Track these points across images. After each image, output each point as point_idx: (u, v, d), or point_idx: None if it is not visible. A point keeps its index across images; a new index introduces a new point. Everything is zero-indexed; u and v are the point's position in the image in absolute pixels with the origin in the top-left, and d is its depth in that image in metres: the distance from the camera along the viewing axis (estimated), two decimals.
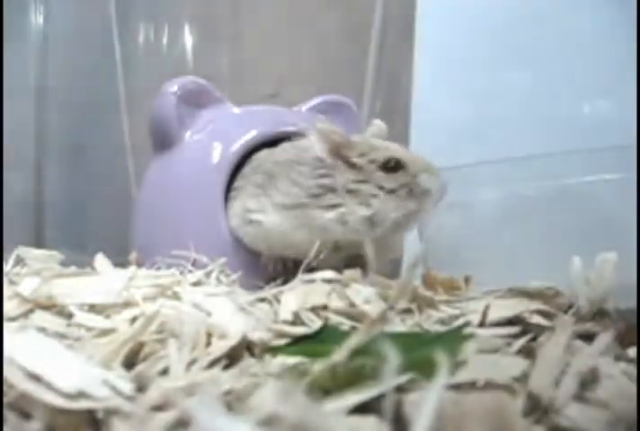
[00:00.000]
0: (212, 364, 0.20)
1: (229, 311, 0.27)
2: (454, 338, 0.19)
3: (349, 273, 0.35)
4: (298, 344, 0.19)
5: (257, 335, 0.23)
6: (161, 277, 0.33)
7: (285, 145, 0.46)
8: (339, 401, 0.14)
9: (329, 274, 0.34)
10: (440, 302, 0.31)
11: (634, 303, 0.29)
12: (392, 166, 0.41)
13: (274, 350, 0.20)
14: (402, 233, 0.44)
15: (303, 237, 0.41)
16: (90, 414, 0.15)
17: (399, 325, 0.27)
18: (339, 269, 0.36)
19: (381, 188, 0.40)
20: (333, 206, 0.41)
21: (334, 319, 0.27)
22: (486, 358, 0.19)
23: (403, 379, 0.16)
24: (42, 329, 0.24)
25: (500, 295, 0.32)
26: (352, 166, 0.41)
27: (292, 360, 0.19)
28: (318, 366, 0.17)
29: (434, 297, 0.32)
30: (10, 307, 0.27)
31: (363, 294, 0.31)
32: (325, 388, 0.16)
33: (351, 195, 0.41)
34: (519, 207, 0.43)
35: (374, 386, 0.15)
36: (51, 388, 0.15)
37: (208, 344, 0.22)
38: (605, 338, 0.20)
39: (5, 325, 0.25)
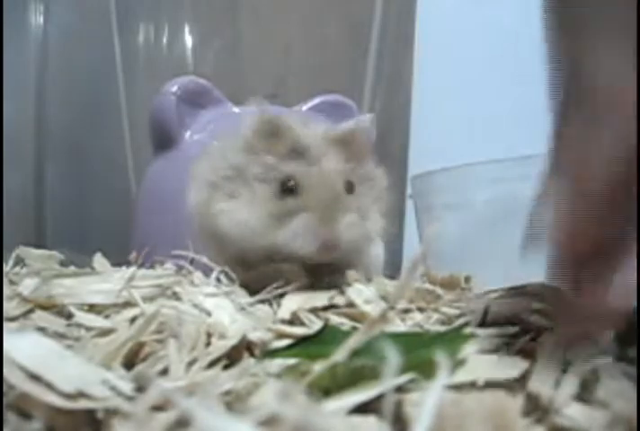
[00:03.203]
0: (212, 364, 0.20)
1: (229, 311, 0.27)
2: (454, 338, 0.19)
3: (350, 273, 0.35)
4: (299, 346, 0.19)
5: (257, 335, 0.23)
6: (161, 277, 0.33)
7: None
8: (339, 401, 0.14)
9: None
10: (442, 302, 0.31)
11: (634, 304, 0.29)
12: (289, 187, 0.34)
13: (274, 353, 0.19)
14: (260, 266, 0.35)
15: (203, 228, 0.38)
16: (90, 414, 0.15)
17: (399, 325, 0.27)
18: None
19: (266, 205, 0.34)
20: (231, 196, 0.36)
21: (335, 319, 0.27)
22: (486, 358, 0.19)
23: (403, 379, 0.16)
24: (42, 329, 0.24)
25: (500, 295, 0.32)
26: (264, 164, 0.35)
27: (292, 360, 0.19)
28: (318, 366, 0.17)
29: (439, 295, 0.32)
30: (10, 307, 0.27)
31: (364, 294, 0.31)
32: (325, 388, 0.16)
33: (249, 192, 0.35)
34: (518, 207, 0.43)
35: (374, 386, 0.15)
36: (51, 388, 0.15)
37: (208, 344, 0.22)
38: (604, 338, 0.20)
39: (5, 325, 0.25)
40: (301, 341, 0.19)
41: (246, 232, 0.34)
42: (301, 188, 0.34)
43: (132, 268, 0.34)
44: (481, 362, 0.18)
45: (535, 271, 0.33)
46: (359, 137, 0.38)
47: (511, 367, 0.18)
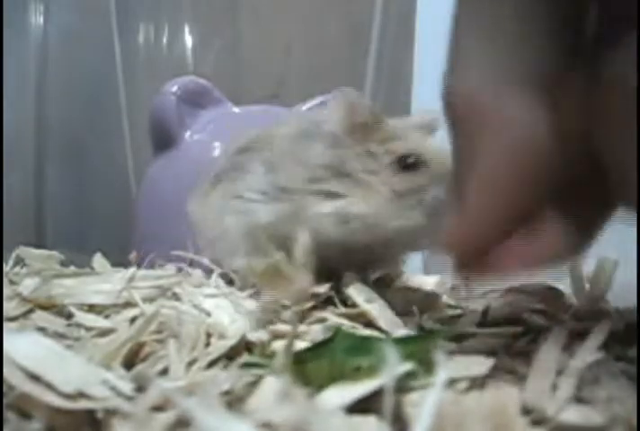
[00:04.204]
0: (212, 364, 0.20)
1: (228, 311, 0.27)
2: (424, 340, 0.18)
3: (348, 274, 0.34)
4: (313, 353, 0.18)
5: (256, 335, 0.23)
6: (161, 278, 0.33)
7: (293, 119, 0.39)
8: (336, 396, 0.14)
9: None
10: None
11: (634, 303, 0.29)
12: (409, 163, 0.32)
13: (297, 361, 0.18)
14: (399, 251, 0.36)
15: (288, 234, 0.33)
16: (90, 414, 0.15)
17: (400, 326, 0.27)
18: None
19: (389, 186, 0.32)
20: (333, 196, 0.32)
21: (334, 319, 0.27)
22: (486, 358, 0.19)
23: (401, 378, 0.16)
24: (42, 329, 0.24)
25: (500, 295, 0.32)
26: (367, 152, 0.33)
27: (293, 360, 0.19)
28: (314, 363, 0.17)
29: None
30: (10, 307, 0.27)
31: (364, 294, 0.30)
32: (322, 385, 0.16)
33: (358, 186, 0.32)
34: None
35: (372, 382, 0.15)
36: (51, 388, 0.15)
37: (208, 344, 0.22)
38: (600, 337, 0.20)
39: (5, 325, 0.25)
40: (314, 347, 0.19)
41: (367, 223, 0.32)
42: (421, 163, 0.32)
43: (132, 269, 0.34)
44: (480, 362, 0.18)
45: (535, 271, 0.33)
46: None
47: (477, 364, 0.18)
